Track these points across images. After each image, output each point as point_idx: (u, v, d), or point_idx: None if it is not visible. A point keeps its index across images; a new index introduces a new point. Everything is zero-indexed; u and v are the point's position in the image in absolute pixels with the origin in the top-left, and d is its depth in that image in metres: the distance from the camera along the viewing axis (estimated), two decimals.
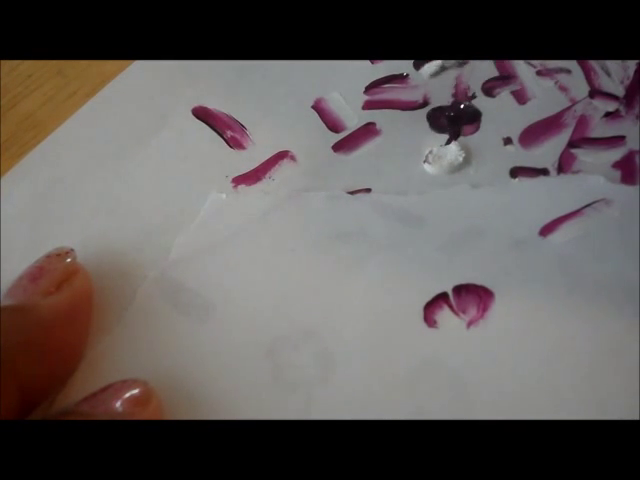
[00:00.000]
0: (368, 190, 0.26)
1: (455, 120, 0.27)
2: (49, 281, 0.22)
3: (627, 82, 0.27)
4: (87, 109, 0.28)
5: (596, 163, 0.26)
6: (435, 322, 0.23)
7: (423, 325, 0.23)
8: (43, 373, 0.21)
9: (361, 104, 0.27)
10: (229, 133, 0.27)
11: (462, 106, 0.27)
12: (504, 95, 0.27)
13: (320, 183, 0.26)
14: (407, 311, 0.23)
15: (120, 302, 0.24)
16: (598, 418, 0.21)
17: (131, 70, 0.28)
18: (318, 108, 0.27)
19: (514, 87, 0.27)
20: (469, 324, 0.23)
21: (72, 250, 0.23)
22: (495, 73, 0.28)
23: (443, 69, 0.22)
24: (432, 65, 0.21)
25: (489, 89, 0.27)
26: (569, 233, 0.24)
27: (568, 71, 0.27)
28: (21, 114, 0.28)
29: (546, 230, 0.24)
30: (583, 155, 0.26)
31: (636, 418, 0.21)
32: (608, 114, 0.26)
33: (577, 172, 0.25)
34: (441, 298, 0.24)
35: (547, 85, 0.27)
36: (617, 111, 0.26)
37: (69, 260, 0.23)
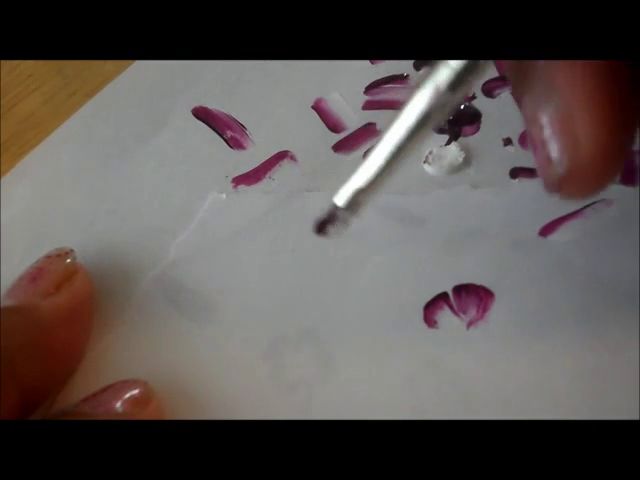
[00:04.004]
0: None
1: (455, 121, 0.27)
2: (49, 282, 0.22)
3: None
4: (87, 109, 0.28)
5: None
6: (435, 322, 0.23)
7: (423, 325, 0.23)
8: (43, 374, 0.21)
9: (361, 104, 0.27)
10: (229, 133, 0.27)
11: (462, 107, 0.27)
12: (504, 95, 0.27)
13: (320, 183, 0.26)
14: (407, 311, 0.23)
15: (120, 302, 0.24)
16: (598, 418, 0.21)
17: (131, 70, 0.29)
18: (318, 108, 0.27)
19: None
20: (469, 324, 0.23)
21: (72, 250, 0.23)
22: (495, 73, 0.28)
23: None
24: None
25: (489, 90, 0.27)
26: (569, 233, 0.24)
27: None
28: (21, 114, 0.28)
29: (546, 230, 0.24)
30: None
31: (636, 418, 0.21)
32: None
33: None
34: (441, 298, 0.24)
35: None
36: None
37: (69, 260, 0.23)
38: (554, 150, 0.17)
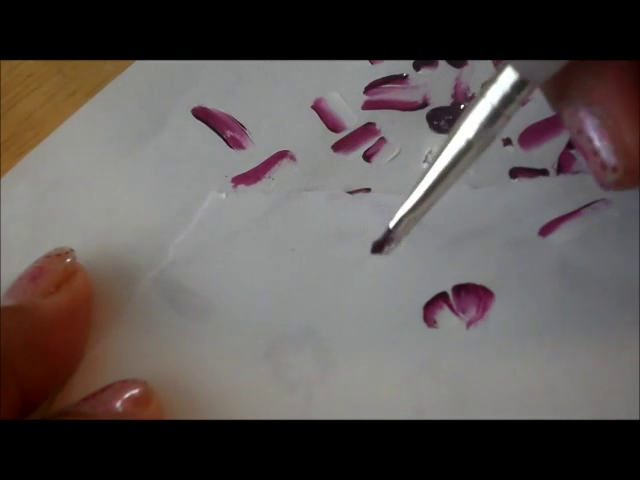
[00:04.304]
0: (368, 190, 0.26)
1: (455, 121, 0.27)
2: (49, 281, 0.22)
3: None
4: (87, 109, 0.28)
5: None
6: (435, 322, 0.23)
7: (423, 325, 0.23)
8: (43, 373, 0.21)
9: (361, 104, 0.27)
10: (229, 133, 0.27)
11: (462, 107, 0.27)
12: None
13: (320, 183, 0.26)
14: (407, 311, 0.23)
15: (119, 302, 0.24)
16: (598, 418, 0.21)
17: (131, 70, 0.28)
18: (318, 108, 0.27)
19: None
20: (469, 324, 0.23)
21: (72, 250, 0.23)
22: None
23: None
24: None
25: None
26: (569, 233, 0.24)
27: None
28: (21, 114, 0.28)
29: (546, 230, 0.24)
30: None
31: (636, 418, 0.21)
32: None
33: (577, 172, 0.25)
34: (441, 298, 0.24)
35: None
36: None
37: (69, 260, 0.23)
38: (607, 159, 0.18)
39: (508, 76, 0.18)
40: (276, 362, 0.23)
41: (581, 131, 0.19)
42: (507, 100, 0.18)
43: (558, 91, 0.19)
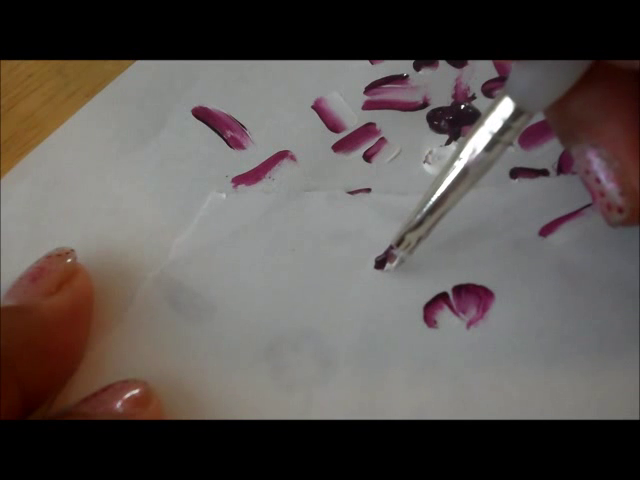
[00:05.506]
0: (368, 190, 0.26)
1: (455, 121, 0.27)
2: (49, 281, 0.22)
3: None
4: (87, 109, 0.28)
5: None
6: (435, 322, 0.23)
7: (423, 325, 0.23)
8: (44, 373, 0.21)
9: (361, 104, 0.27)
10: (229, 133, 0.27)
11: (462, 107, 0.27)
12: None
13: (320, 183, 0.26)
14: (407, 311, 0.23)
15: (120, 302, 0.24)
16: (598, 418, 0.21)
17: (131, 70, 0.29)
18: (318, 108, 0.27)
19: None
20: (469, 324, 0.23)
21: (72, 250, 0.23)
22: (495, 74, 0.28)
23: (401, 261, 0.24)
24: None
25: (489, 90, 0.27)
26: (569, 233, 0.24)
27: None
28: (21, 114, 0.28)
29: (546, 230, 0.24)
30: None
31: (636, 418, 0.21)
32: None
33: (577, 173, 0.25)
34: (441, 298, 0.24)
35: None
36: None
37: (69, 260, 0.23)
38: (614, 200, 0.19)
39: (506, 105, 0.19)
40: (276, 362, 0.23)
41: (588, 171, 0.19)
42: (504, 128, 0.19)
43: (567, 130, 0.20)
